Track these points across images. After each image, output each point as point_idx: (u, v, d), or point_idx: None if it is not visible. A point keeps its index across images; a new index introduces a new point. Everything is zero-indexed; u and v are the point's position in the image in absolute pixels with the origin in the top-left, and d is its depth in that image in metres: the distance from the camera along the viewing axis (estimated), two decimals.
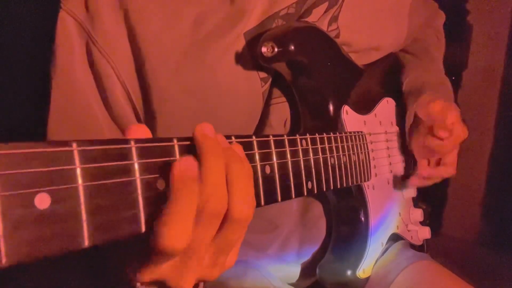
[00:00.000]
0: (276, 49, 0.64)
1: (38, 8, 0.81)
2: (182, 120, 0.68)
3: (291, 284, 0.85)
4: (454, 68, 1.82)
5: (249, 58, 0.68)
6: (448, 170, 0.83)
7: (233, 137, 0.45)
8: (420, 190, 0.91)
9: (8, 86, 0.86)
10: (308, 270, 0.83)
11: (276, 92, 0.73)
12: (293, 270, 0.84)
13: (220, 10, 0.67)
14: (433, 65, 0.98)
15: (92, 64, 0.65)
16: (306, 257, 0.84)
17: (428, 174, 0.82)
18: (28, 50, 0.85)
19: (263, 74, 0.70)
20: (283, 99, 0.73)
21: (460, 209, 1.80)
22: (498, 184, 1.86)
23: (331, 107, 0.72)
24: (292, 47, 0.66)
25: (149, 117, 0.69)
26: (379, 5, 0.81)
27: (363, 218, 0.75)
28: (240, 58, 0.68)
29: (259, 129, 0.73)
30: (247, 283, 0.77)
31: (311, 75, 0.70)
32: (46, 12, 0.66)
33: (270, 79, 0.71)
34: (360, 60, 0.81)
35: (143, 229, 0.35)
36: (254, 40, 0.68)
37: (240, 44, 0.67)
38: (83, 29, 0.64)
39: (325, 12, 0.74)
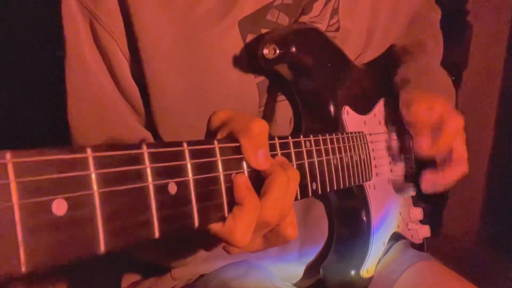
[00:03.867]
0: (278, 51, 0.64)
1: None
2: (174, 101, 0.68)
3: (293, 284, 0.85)
4: (454, 68, 1.82)
5: (242, 48, 0.68)
6: (455, 170, 0.75)
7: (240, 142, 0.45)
8: (419, 189, 0.91)
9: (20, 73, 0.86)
10: (310, 270, 0.84)
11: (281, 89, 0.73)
12: (295, 270, 0.84)
13: None
14: (424, 56, 0.94)
15: (98, 42, 0.66)
16: (307, 257, 0.84)
17: (435, 178, 0.76)
18: (37, 35, 0.85)
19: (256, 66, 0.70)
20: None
21: (460, 209, 1.80)
22: (498, 184, 1.86)
23: (332, 108, 0.72)
24: (294, 49, 0.66)
25: (141, 93, 0.69)
26: None
27: (365, 218, 0.75)
28: (233, 47, 0.68)
29: None
30: (248, 283, 0.77)
31: (311, 77, 0.71)
32: None
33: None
34: (359, 59, 0.82)
35: (157, 234, 0.35)
36: (248, 30, 0.68)
37: (233, 32, 0.68)
38: (85, 7, 0.64)
39: (325, 5, 0.74)
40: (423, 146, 0.73)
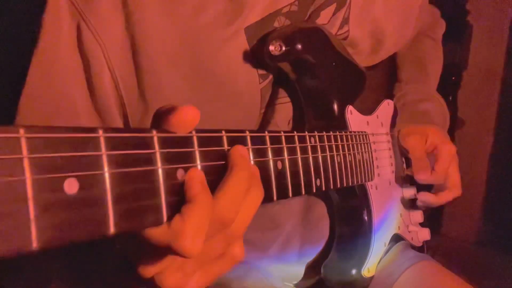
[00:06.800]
0: (283, 48, 0.64)
1: None
2: None
3: (294, 285, 0.85)
4: (454, 68, 1.82)
5: (248, 53, 0.67)
6: (449, 195, 0.84)
7: (247, 131, 0.45)
8: (420, 190, 0.91)
9: None
10: (310, 269, 0.83)
11: (282, 92, 0.73)
12: (295, 270, 0.84)
13: (220, 0, 0.66)
14: (426, 79, 0.99)
15: (81, 46, 0.62)
16: (308, 257, 0.84)
17: (429, 200, 0.84)
18: (18, 29, 0.83)
19: (261, 71, 0.70)
20: (288, 99, 0.73)
21: (460, 209, 1.80)
22: (498, 184, 1.86)
23: (335, 107, 0.73)
24: (300, 47, 0.66)
25: (141, 105, 0.67)
26: (388, 4, 0.81)
27: (366, 218, 0.75)
28: (239, 53, 0.67)
29: (264, 128, 0.73)
30: (248, 284, 0.77)
31: (316, 75, 0.71)
32: None
33: (270, 77, 0.71)
34: (364, 62, 0.81)
35: (165, 219, 0.35)
36: (255, 37, 0.68)
37: (240, 39, 0.67)
38: (75, 8, 0.61)
39: (334, 14, 0.74)
40: (422, 177, 0.82)
